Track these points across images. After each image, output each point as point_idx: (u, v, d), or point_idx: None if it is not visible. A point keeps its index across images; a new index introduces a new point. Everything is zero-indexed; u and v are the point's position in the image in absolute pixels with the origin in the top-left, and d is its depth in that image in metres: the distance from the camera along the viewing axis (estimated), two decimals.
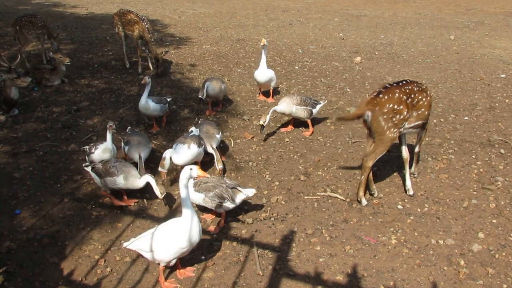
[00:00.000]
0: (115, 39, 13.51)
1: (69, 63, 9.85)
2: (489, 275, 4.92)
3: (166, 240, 4.45)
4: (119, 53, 11.65)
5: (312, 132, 8.07)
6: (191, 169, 4.45)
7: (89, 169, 5.96)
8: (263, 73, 9.00)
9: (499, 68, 11.81)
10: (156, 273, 4.88)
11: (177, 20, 17.48)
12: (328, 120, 8.59)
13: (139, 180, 5.72)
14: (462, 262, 5.10)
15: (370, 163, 5.88)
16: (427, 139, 7.88)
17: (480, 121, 8.68)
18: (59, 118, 8.40)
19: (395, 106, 5.62)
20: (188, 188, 4.52)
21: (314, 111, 7.87)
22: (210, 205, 5.46)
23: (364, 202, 6.07)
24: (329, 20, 17.90)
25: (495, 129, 8.32)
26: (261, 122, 7.42)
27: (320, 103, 8.05)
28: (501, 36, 15.30)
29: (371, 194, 6.29)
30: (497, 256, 5.20)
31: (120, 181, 5.71)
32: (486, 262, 5.10)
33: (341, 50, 13.37)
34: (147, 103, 7.58)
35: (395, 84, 5.84)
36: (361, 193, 6.08)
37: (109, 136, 6.31)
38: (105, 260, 5.09)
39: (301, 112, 7.69)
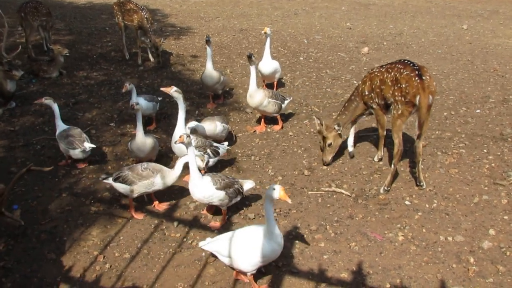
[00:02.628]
0: (114, 29, 13.58)
1: (67, 54, 9.91)
2: (500, 273, 4.95)
3: (247, 250, 4.41)
4: (119, 44, 11.72)
5: (282, 127, 8.06)
6: (274, 189, 4.35)
7: (110, 180, 5.70)
8: (268, 64, 9.02)
9: None
10: (156, 270, 4.95)
11: (178, 9, 17.53)
12: (333, 113, 8.62)
13: (175, 171, 5.60)
14: (472, 260, 5.13)
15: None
16: (436, 132, 7.91)
17: (492, 114, 8.69)
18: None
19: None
20: (272, 207, 4.44)
21: (283, 106, 7.80)
22: (226, 202, 5.52)
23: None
24: (336, 9, 17.90)
25: (508, 122, 8.33)
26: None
27: (287, 99, 8.00)
28: None
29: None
30: (508, 253, 5.23)
31: (158, 181, 5.59)
32: (497, 260, 5.13)
33: (348, 40, 13.38)
34: (139, 104, 7.43)
35: (411, 64, 6.11)
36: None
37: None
38: (104, 256, 5.15)
39: (271, 105, 7.57)
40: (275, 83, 9.46)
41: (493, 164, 6.98)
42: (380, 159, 7.06)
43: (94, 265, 5.03)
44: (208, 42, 8.26)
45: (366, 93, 6.61)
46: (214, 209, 5.84)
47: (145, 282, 4.82)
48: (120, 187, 5.66)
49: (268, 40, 8.96)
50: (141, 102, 7.39)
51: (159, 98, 8.02)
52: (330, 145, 6.78)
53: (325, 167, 6.91)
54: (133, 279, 4.85)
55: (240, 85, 9.87)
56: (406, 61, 6.23)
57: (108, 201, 6.12)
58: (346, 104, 6.91)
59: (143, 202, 6.03)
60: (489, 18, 16.40)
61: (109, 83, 9.81)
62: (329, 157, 6.87)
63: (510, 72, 10.88)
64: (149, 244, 5.36)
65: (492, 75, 10.67)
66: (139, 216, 5.81)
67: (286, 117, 8.41)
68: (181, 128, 6.24)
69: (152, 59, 11.13)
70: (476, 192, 6.32)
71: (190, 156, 5.26)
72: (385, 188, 6.31)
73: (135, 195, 5.68)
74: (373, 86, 6.46)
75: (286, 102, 7.91)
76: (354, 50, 12.43)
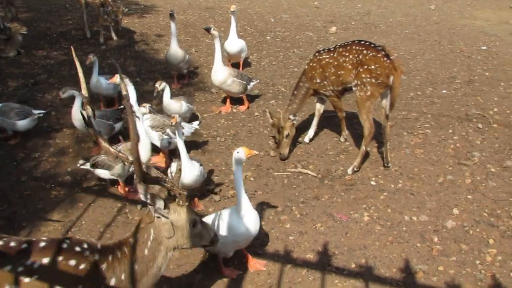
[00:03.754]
0: (75, 7, 13.25)
1: (26, 33, 9.68)
2: (463, 252, 5.08)
3: (221, 232, 4.39)
4: (80, 22, 11.48)
5: (248, 107, 8.07)
6: (238, 152, 4.47)
7: (87, 166, 5.68)
8: (234, 43, 8.97)
9: (480, 40, 11.99)
10: None
11: None
12: None
13: (143, 144, 5.38)
14: (436, 239, 5.26)
15: None
16: (402, 112, 8.02)
17: (458, 94, 8.85)
18: (15, 92, 8.30)
19: None
20: (241, 172, 4.53)
21: (249, 87, 7.79)
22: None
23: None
24: None
25: (474, 103, 8.49)
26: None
27: (253, 81, 7.99)
28: (483, 6, 15.50)
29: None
30: (471, 232, 5.37)
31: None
32: (460, 239, 5.27)
33: (315, 20, 13.40)
34: (99, 82, 7.33)
35: (371, 44, 6.20)
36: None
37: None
38: None
39: (236, 85, 7.54)
40: (241, 62, 9.42)
41: (458, 144, 7.12)
42: (345, 140, 7.13)
43: None
44: (172, 17, 8.10)
45: (318, 81, 6.56)
46: None
47: None
48: (100, 172, 5.64)
49: (234, 18, 8.89)
50: (102, 82, 7.30)
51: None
52: (287, 136, 6.62)
53: (291, 148, 6.94)
54: None
55: (205, 64, 9.80)
56: (362, 42, 6.27)
57: (69, 185, 6.04)
58: (296, 92, 6.80)
59: (105, 185, 5.98)
60: None
61: (70, 62, 9.59)
62: (286, 150, 6.68)
63: (476, 53, 11.06)
64: (112, 228, 5.33)
65: (458, 56, 10.84)
66: (132, 195, 5.78)
67: (252, 97, 8.40)
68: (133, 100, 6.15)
69: (115, 37, 10.93)
70: (440, 172, 6.45)
71: (179, 141, 5.24)
72: (354, 169, 6.38)
73: (122, 178, 5.69)
74: (327, 74, 6.43)
75: (252, 83, 7.89)
76: (322, 30, 12.46)
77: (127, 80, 6.14)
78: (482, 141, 7.21)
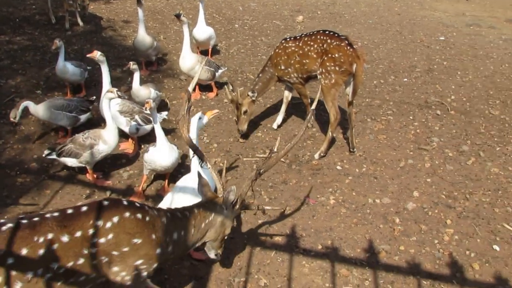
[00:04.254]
0: None
1: None
2: (422, 232, 5.25)
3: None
4: (44, 7, 11.14)
5: (217, 94, 8.06)
6: (200, 118, 4.83)
7: (54, 156, 5.55)
8: (202, 31, 8.89)
9: (438, 31, 12.21)
10: None
11: None
12: None
13: (108, 128, 5.52)
14: (397, 220, 5.41)
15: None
16: (366, 100, 8.16)
17: (418, 82, 9.02)
18: None
19: None
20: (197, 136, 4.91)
21: (217, 74, 7.77)
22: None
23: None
24: None
25: (433, 91, 8.68)
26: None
27: (222, 68, 7.98)
28: None
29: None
30: (430, 213, 5.54)
31: (102, 147, 5.53)
32: (420, 220, 5.44)
33: (282, 9, 13.40)
34: (65, 67, 7.13)
35: (335, 34, 6.28)
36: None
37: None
38: None
39: (204, 72, 7.47)
40: (210, 50, 9.37)
41: (418, 130, 7.29)
42: (312, 126, 7.23)
43: None
44: (139, 3, 7.94)
45: (283, 68, 6.60)
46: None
47: None
48: (68, 161, 5.53)
49: (202, 6, 8.79)
50: (69, 67, 7.14)
51: (88, 67, 7.68)
52: (245, 112, 6.66)
53: (259, 134, 7.00)
54: None
55: (174, 51, 9.72)
56: (327, 32, 6.32)
57: (36, 172, 5.90)
58: (260, 75, 6.83)
59: (73, 172, 5.90)
60: None
61: (34, 48, 9.33)
62: (244, 126, 6.73)
63: (435, 43, 11.27)
64: None
65: (418, 46, 11.02)
66: (101, 182, 5.78)
67: (220, 84, 8.40)
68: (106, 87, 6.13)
69: (81, 23, 10.68)
70: (402, 157, 6.61)
71: (156, 125, 5.29)
72: (321, 154, 6.48)
73: (90, 165, 5.61)
74: (292, 62, 6.48)
75: (220, 71, 7.86)
76: (289, 18, 12.48)
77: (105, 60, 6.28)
78: (441, 127, 7.40)
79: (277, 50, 6.67)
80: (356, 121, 7.22)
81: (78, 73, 7.32)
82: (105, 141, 5.50)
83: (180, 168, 5.94)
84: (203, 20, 8.82)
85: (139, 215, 3.32)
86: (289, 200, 5.62)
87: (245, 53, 9.93)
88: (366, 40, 11.11)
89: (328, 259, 4.84)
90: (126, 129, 6.18)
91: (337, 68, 6.08)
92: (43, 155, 5.60)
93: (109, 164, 6.15)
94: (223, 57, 9.67)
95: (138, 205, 3.42)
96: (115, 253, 3.19)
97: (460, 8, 14.50)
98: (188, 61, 7.39)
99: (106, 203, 3.26)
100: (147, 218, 3.36)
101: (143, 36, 8.15)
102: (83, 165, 5.60)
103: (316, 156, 6.47)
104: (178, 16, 7.41)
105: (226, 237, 4.08)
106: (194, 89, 7.95)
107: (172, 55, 9.56)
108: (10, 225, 2.95)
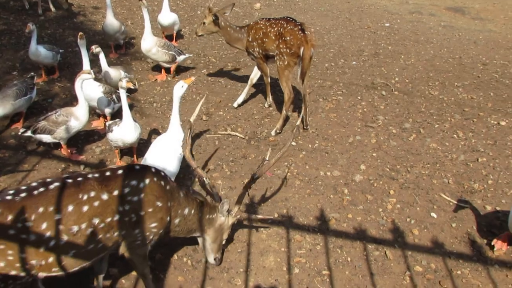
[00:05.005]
0: None
1: None
2: (368, 201, 5.33)
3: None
4: None
5: (163, 78, 7.82)
6: (182, 86, 5.01)
7: (29, 133, 5.43)
8: (167, 16, 8.74)
9: (384, 18, 12.29)
10: None
11: None
12: (229, 64, 8.61)
13: (80, 105, 5.47)
14: (346, 191, 5.47)
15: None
16: (319, 81, 8.17)
17: (366, 65, 9.08)
18: None
19: None
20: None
21: (178, 58, 7.61)
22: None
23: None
24: None
25: (378, 73, 8.75)
26: None
27: (185, 55, 7.80)
28: None
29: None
30: (375, 184, 5.62)
31: (74, 123, 5.47)
32: (366, 190, 5.51)
33: None
34: (37, 50, 6.92)
35: (289, 19, 6.30)
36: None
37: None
38: None
39: (161, 54, 7.37)
40: (174, 34, 9.20)
41: (365, 109, 7.35)
42: (270, 105, 7.21)
43: None
44: None
45: (250, 40, 6.61)
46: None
47: None
48: (43, 137, 5.43)
49: None
50: (41, 50, 6.95)
51: (61, 50, 7.47)
52: (204, 24, 6.81)
53: (221, 112, 6.94)
54: None
55: (140, 36, 9.29)
56: (289, 18, 6.32)
57: (14, 147, 5.79)
58: (237, 29, 6.81)
59: (50, 148, 5.78)
60: None
61: (10, 32, 9.02)
62: (200, 32, 6.91)
63: (380, 29, 11.34)
64: None
65: (366, 32, 11.08)
66: (75, 157, 5.69)
67: (185, 67, 8.29)
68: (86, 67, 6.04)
69: (53, 9, 10.33)
70: (350, 133, 6.66)
71: (123, 102, 5.21)
72: (277, 131, 6.47)
73: (64, 141, 5.52)
74: (256, 37, 6.48)
75: (182, 56, 7.69)
76: (247, 6, 12.34)
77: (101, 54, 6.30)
78: (385, 106, 7.48)
79: (251, 24, 6.69)
80: (309, 101, 7.23)
81: (51, 56, 7.12)
82: (77, 118, 5.44)
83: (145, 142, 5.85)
84: (167, 6, 8.68)
85: (162, 182, 3.52)
86: (248, 173, 5.60)
87: (206, 37, 9.77)
88: (318, 26, 11.09)
89: (283, 226, 4.87)
90: (107, 108, 6.14)
91: (288, 50, 6.10)
92: (19, 133, 5.48)
93: (82, 140, 6.04)
94: (187, 42, 9.51)
95: (162, 174, 3.61)
96: (141, 212, 3.38)
97: None
98: (147, 43, 7.29)
99: (137, 167, 3.50)
100: (168, 187, 3.57)
101: (112, 21, 8.01)
102: (57, 141, 5.51)
103: (273, 133, 6.46)
104: None
105: (223, 242, 4.26)
106: (161, 71, 7.84)
107: (139, 39, 9.19)
108: (57, 184, 3.11)
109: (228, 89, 7.68)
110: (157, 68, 8.08)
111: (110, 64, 7.86)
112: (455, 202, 5.37)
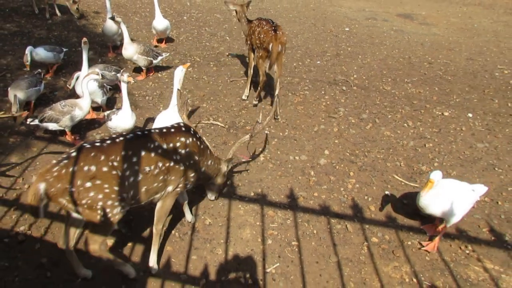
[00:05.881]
0: None
1: None
2: (331, 182, 5.32)
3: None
4: (28, 0, 10.41)
5: (144, 78, 7.56)
6: (182, 70, 5.22)
7: (36, 122, 5.32)
8: (161, 22, 8.54)
9: (344, 23, 12.23)
10: None
11: None
12: (211, 62, 8.48)
13: (85, 98, 5.46)
14: (312, 173, 5.45)
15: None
16: (288, 78, 8.10)
17: (328, 64, 9.03)
18: None
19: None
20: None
21: (155, 61, 7.38)
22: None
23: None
24: None
25: (339, 71, 8.71)
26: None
27: (162, 55, 7.56)
28: None
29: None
30: (337, 167, 5.61)
31: (78, 113, 5.43)
32: (329, 172, 5.50)
33: (221, 4, 12.94)
34: (38, 54, 6.67)
35: (270, 21, 6.53)
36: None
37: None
38: (23, 179, 4.83)
39: (141, 60, 7.20)
40: (165, 39, 9.00)
41: (328, 102, 7.31)
42: (246, 99, 7.12)
43: (15, 186, 4.70)
44: None
45: (247, 34, 6.93)
46: None
47: None
48: (49, 126, 5.33)
49: (156, 1, 8.42)
50: (41, 52, 6.71)
51: (65, 49, 7.25)
52: (236, 7, 7.09)
53: (204, 105, 6.83)
54: None
55: (135, 38, 9.24)
56: (269, 20, 6.51)
57: (24, 133, 5.64)
58: (244, 23, 7.03)
59: (55, 134, 5.62)
60: None
61: (21, 33, 8.73)
62: (231, 7, 7.10)
63: (341, 33, 11.29)
64: None
65: (329, 35, 11.01)
66: (78, 142, 5.47)
67: (175, 66, 8.13)
68: (85, 71, 5.85)
69: (59, 14, 10.05)
70: (316, 123, 6.63)
71: (123, 93, 5.18)
72: (255, 98, 6.87)
73: (69, 128, 5.45)
74: (250, 32, 6.76)
75: (159, 58, 7.46)
76: (226, 12, 12.08)
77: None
78: (346, 100, 7.45)
79: (253, 21, 6.86)
80: (280, 95, 7.18)
81: (51, 56, 6.89)
82: (81, 108, 5.42)
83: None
84: (160, 13, 8.46)
85: (199, 142, 3.89)
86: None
87: (192, 40, 9.61)
88: (288, 31, 10.98)
89: (258, 203, 4.85)
90: (102, 99, 6.11)
91: (261, 45, 6.37)
92: (27, 123, 5.36)
93: (84, 128, 5.90)
94: (174, 44, 9.32)
95: (198, 135, 3.93)
96: (186, 163, 3.73)
97: (361, 5, 14.56)
98: (129, 51, 7.09)
99: (183, 128, 3.82)
100: (202, 146, 3.94)
101: (110, 25, 7.86)
102: (63, 128, 5.41)
103: (243, 96, 6.96)
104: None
105: (222, 187, 4.73)
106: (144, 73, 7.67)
107: (133, 41, 9.09)
108: (131, 135, 3.49)
109: (210, 85, 7.55)
110: (138, 69, 7.88)
111: (108, 62, 7.74)
112: (405, 182, 5.41)
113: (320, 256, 4.24)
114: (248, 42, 6.87)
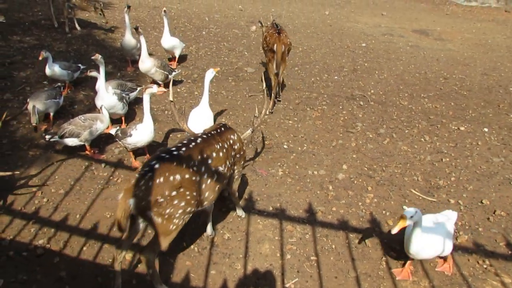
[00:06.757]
0: (43, 1, 12.23)
1: (4, 21, 8.88)
2: (349, 196, 5.27)
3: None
4: (48, 14, 10.62)
5: (164, 92, 7.36)
6: (212, 72, 5.67)
7: (56, 138, 5.31)
8: (167, 41, 8.34)
9: (361, 39, 12.22)
10: (88, 202, 4.75)
11: None
12: (229, 77, 8.53)
13: (104, 113, 5.59)
14: (331, 187, 5.40)
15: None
16: (306, 93, 8.10)
17: (346, 80, 9.01)
18: None
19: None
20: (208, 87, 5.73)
21: (170, 76, 7.41)
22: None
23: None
24: None
25: (357, 86, 8.68)
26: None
27: (175, 71, 7.64)
28: (363, 13, 15.77)
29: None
30: (355, 182, 5.56)
31: (99, 125, 5.51)
32: (348, 187, 5.45)
33: (240, 20, 13.13)
34: (53, 70, 6.71)
35: (275, 25, 7.08)
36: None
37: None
38: (42, 192, 4.85)
39: (158, 74, 7.24)
40: (176, 57, 8.79)
41: (346, 117, 7.28)
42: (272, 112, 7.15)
43: (34, 199, 4.72)
44: (128, 8, 7.91)
45: (262, 38, 7.46)
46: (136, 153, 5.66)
47: (78, 212, 4.60)
48: (69, 141, 5.33)
49: (165, 19, 8.18)
50: (56, 69, 6.75)
51: (82, 67, 7.21)
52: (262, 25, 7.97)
53: (223, 119, 6.85)
54: (68, 210, 4.62)
55: (154, 53, 9.35)
56: (274, 25, 7.09)
57: (44, 147, 5.68)
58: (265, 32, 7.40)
59: (75, 148, 5.66)
60: (344, 7, 16.77)
61: (41, 46, 8.86)
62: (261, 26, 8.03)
63: (358, 48, 11.28)
64: (81, 182, 5.09)
65: (346, 50, 11.01)
66: (97, 156, 5.60)
67: (192, 80, 8.19)
68: (102, 83, 5.91)
69: (78, 28, 10.24)
70: (334, 138, 6.60)
71: (145, 105, 5.22)
72: (269, 110, 6.99)
73: (89, 142, 5.47)
74: (262, 37, 7.35)
75: (173, 73, 7.53)
76: (245, 28, 12.23)
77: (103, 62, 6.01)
78: (363, 115, 7.42)
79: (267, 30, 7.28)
80: (298, 110, 7.24)
81: (65, 74, 6.90)
82: (102, 121, 5.49)
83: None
84: (168, 31, 8.25)
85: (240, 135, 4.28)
86: (246, 172, 5.52)
87: (210, 55, 9.69)
88: (306, 46, 11.01)
89: (277, 218, 4.81)
90: (122, 112, 6.19)
91: (266, 47, 6.98)
92: (46, 140, 5.35)
93: (103, 142, 5.92)
94: (193, 58, 9.40)
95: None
96: (237, 156, 4.14)
97: (377, 21, 14.56)
98: (146, 64, 7.16)
99: (227, 126, 4.15)
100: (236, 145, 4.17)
101: (129, 39, 7.91)
102: (82, 143, 5.41)
103: (267, 112, 6.69)
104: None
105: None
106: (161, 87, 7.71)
107: (151, 56, 9.20)
108: (199, 139, 3.70)
109: (229, 100, 7.58)
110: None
111: (127, 76, 7.82)
112: (423, 196, 5.33)
113: (339, 271, 4.18)
114: (263, 45, 7.34)
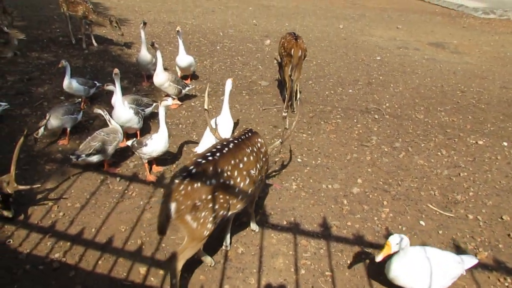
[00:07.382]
0: (61, 18, 12.51)
1: (24, 38, 9.16)
2: (365, 211, 5.23)
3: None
4: (66, 31, 10.88)
5: (178, 106, 7.67)
6: (231, 83, 5.95)
7: (83, 158, 5.27)
8: (183, 59, 8.33)
9: (375, 52, 12.22)
10: (103, 216, 4.80)
11: (116, 3, 16.47)
12: (243, 91, 8.59)
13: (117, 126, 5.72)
14: (345, 201, 5.38)
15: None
16: (320, 106, 8.11)
17: (360, 93, 9.00)
18: (13, 86, 7.82)
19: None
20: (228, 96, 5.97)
21: (183, 91, 7.53)
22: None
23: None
24: (245, 9, 17.61)
25: (371, 99, 8.67)
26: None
27: (189, 86, 7.72)
28: (378, 26, 15.78)
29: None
30: (370, 196, 5.52)
31: (120, 137, 5.65)
32: (363, 201, 5.41)
33: (254, 34, 13.26)
34: (70, 84, 6.85)
35: (292, 33, 7.36)
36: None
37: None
38: (58, 206, 4.92)
39: (172, 88, 7.32)
40: (190, 76, 8.92)
41: (360, 131, 7.26)
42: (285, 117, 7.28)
43: (50, 213, 4.79)
44: (144, 24, 8.06)
45: (279, 46, 7.67)
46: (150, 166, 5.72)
47: (94, 226, 4.65)
48: (95, 158, 5.36)
49: (180, 37, 8.20)
50: (73, 84, 6.88)
51: (98, 84, 7.31)
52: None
53: (236, 133, 6.88)
54: (83, 224, 4.67)
55: (169, 67, 9.48)
56: (291, 33, 7.36)
57: (60, 161, 5.78)
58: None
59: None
60: (358, 20, 16.80)
61: (58, 63, 9.08)
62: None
63: (373, 61, 11.28)
64: (96, 196, 5.16)
65: (360, 64, 11.02)
66: (112, 170, 5.67)
67: (208, 94, 8.25)
68: (119, 98, 5.99)
69: (95, 44, 10.47)
70: (348, 152, 6.58)
71: (161, 116, 5.28)
72: (284, 110, 7.38)
73: (109, 157, 5.56)
74: (280, 44, 7.56)
75: (187, 88, 7.62)
76: (259, 42, 12.35)
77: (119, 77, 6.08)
78: (378, 128, 7.39)
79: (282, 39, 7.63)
80: (312, 123, 7.24)
81: (82, 89, 7.03)
82: (122, 133, 5.69)
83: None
84: (183, 50, 8.27)
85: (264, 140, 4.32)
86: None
87: (225, 69, 9.79)
88: (320, 59, 11.06)
89: (291, 232, 4.79)
90: (138, 126, 6.23)
91: (284, 52, 7.23)
92: (73, 161, 5.35)
93: (118, 156, 5.99)
94: (208, 73, 9.50)
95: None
96: (263, 159, 4.19)
97: (392, 34, 14.55)
98: (160, 78, 7.26)
99: (253, 131, 4.24)
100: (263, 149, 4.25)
101: (145, 54, 8.05)
102: (104, 158, 5.48)
103: (283, 113, 7.37)
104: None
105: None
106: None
107: (166, 70, 9.33)
108: (230, 145, 3.82)
109: (243, 113, 7.63)
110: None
111: (143, 90, 7.93)
112: (440, 211, 5.27)
113: (354, 287, 4.13)
114: (280, 52, 7.57)
